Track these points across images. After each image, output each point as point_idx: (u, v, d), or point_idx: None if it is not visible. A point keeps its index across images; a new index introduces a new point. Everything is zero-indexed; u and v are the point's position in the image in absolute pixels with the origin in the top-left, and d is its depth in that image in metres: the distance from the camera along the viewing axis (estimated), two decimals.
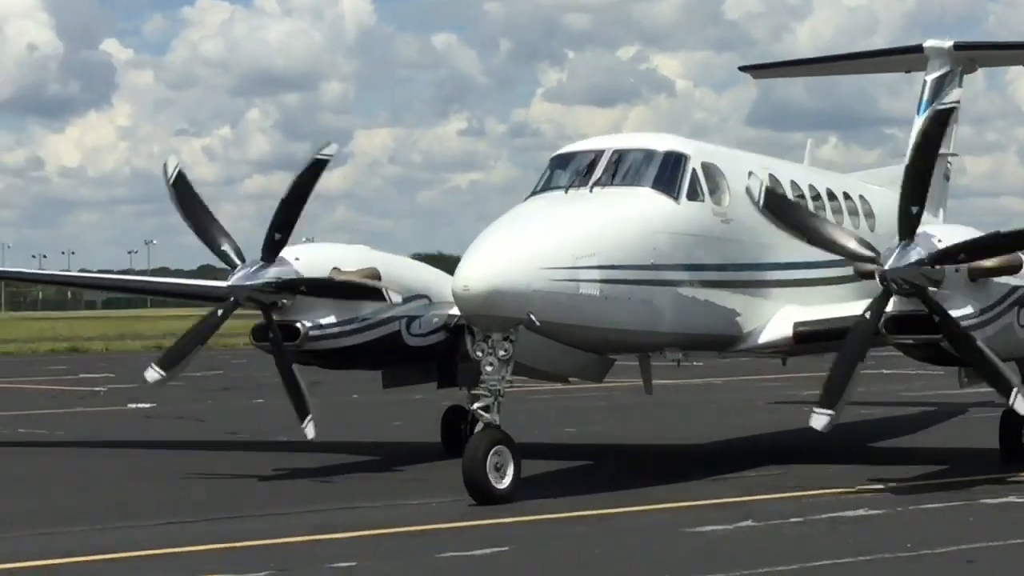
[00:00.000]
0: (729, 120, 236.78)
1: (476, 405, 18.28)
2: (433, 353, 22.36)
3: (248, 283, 21.06)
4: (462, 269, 18.02)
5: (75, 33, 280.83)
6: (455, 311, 20.23)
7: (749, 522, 16.38)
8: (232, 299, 21.26)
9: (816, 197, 23.47)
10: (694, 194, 20.36)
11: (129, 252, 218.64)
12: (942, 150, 29.15)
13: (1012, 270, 18.85)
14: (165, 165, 21.99)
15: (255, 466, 22.17)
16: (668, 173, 20.24)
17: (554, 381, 23.81)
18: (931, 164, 18.84)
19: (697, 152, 20.86)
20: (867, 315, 18.69)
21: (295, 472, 21.71)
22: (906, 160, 18.93)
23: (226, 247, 21.63)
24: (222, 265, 21.85)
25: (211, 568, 14.22)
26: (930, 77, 29.23)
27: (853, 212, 24.53)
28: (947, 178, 29.74)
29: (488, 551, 14.78)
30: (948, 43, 29.16)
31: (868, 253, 18.95)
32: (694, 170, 20.47)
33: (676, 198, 20.11)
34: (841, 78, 29.47)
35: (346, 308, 21.40)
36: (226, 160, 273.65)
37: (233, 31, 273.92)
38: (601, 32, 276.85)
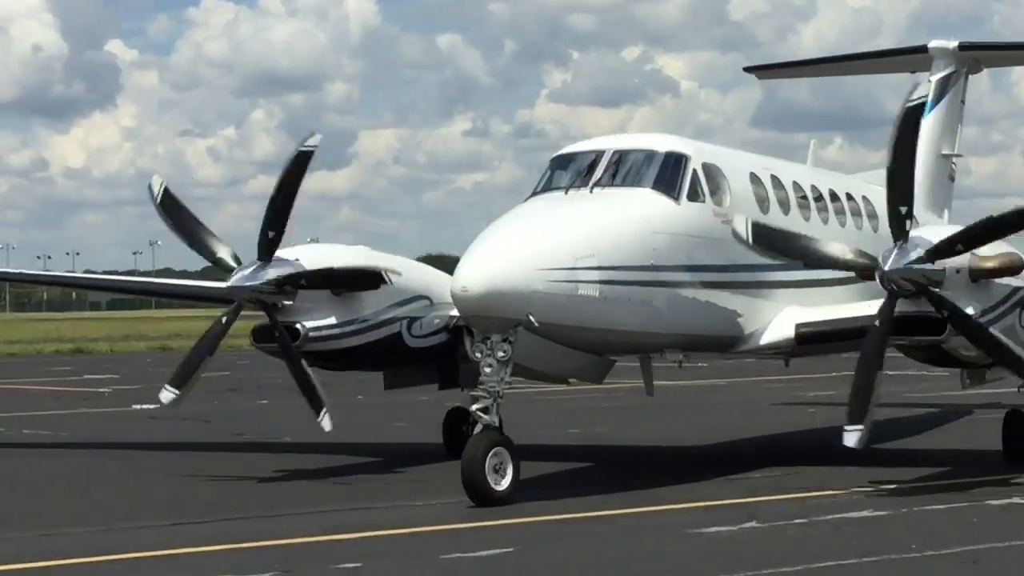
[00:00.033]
0: (734, 121, 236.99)
1: (475, 407, 18.22)
2: (434, 354, 22.28)
3: (248, 284, 21.02)
4: (461, 270, 17.97)
5: (79, 34, 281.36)
6: (456, 312, 20.20)
7: (753, 523, 16.38)
8: (235, 303, 21.20)
9: (819, 198, 23.45)
10: (695, 195, 20.32)
11: (134, 253, 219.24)
12: (946, 151, 29.35)
13: (1013, 271, 18.82)
14: (150, 186, 21.93)
15: (260, 467, 22.17)
16: (669, 174, 20.19)
17: (554, 383, 23.77)
18: (911, 162, 18.77)
19: (698, 153, 20.82)
20: (876, 323, 18.60)
21: (300, 473, 21.71)
22: (886, 162, 18.89)
23: (222, 254, 21.58)
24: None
25: (216, 569, 14.23)
26: (935, 77, 29.23)
27: (856, 213, 24.49)
28: (952, 179, 29.73)
29: (493, 552, 14.78)
30: (953, 43, 29.16)
31: (866, 262, 18.88)
32: (695, 171, 20.43)
33: (676, 199, 20.08)
34: (846, 79, 29.61)
35: (346, 309, 21.35)
36: (231, 161, 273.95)
37: (238, 32, 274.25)
38: (606, 33, 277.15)
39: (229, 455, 24.18)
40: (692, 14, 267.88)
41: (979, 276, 18.67)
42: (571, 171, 20.35)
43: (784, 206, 22.28)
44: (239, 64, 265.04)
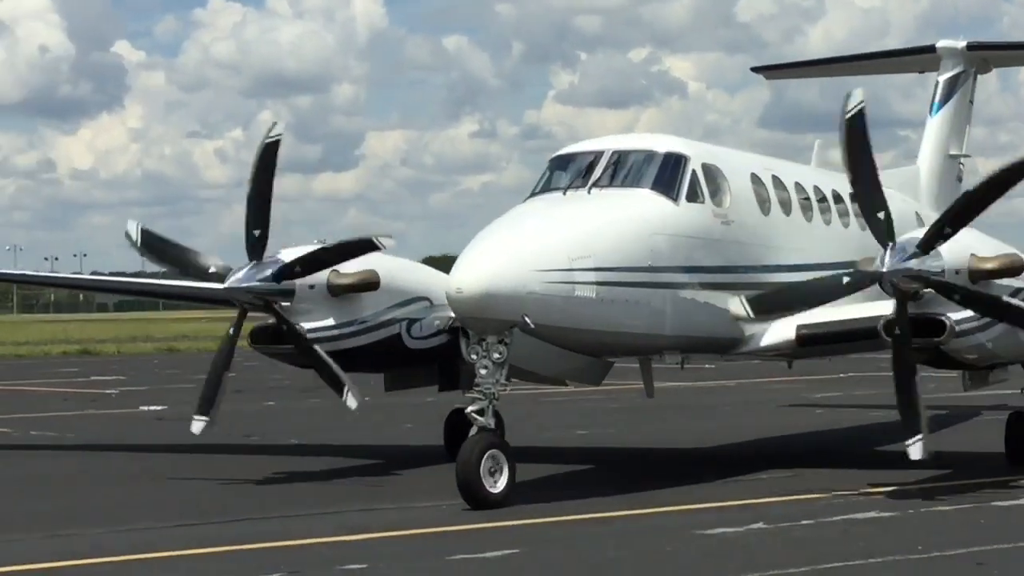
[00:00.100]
0: (741, 122, 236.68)
1: (470, 408, 18.14)
2: (435, 356, 22.09)
3: (245, 285, 20.91)
4: (456, 271, 17.89)
5: (86, 35, 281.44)
6: None
7: (760, 524, 16.37)
8: (239, 311, 21.07)
9: (822, 199, 23.38)
10: (694, 195, 20.24)
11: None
12: (954, 151, 29.35)
13: (1014, 272, 18.75)
14: (128, 234, 21.88)
15: (267, 469, 22.18)
16: (668, 174, 20.10)
17: (551, 384, 23.67)
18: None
19: (697, 153, 20.74)
20: (897, 332, 18.52)
21: (306, 475, 21.71)
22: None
23: (214, 269, 21.48)
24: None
25: (223, 570, 14.25)
26: (942, 77, 29.21)
27: (859, 214, 24.32)
28: (960, 180, 29.68)
29: (499, 553, 14.78)
30: (961, 43, 29.11)
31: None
32: (694, 171, 20.34)
33: (675, 199, 19.99)
34: (854, 80, 29.38)
35: (345, 310, 21.22)
36: (238, 162, 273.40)
37: (245, 33, 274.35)
38: (613, 34, 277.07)
39: (236, 457, 24.18)
40: (699, 15, 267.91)
41: (979, 277, 18.58)
42: (570, 172, 20.27)
43: (786, 207, 22.21)
44: (246, 65, 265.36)
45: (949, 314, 18.55)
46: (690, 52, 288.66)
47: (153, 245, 21.97)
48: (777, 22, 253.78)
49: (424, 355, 22.10)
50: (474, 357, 18.12)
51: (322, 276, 21.09)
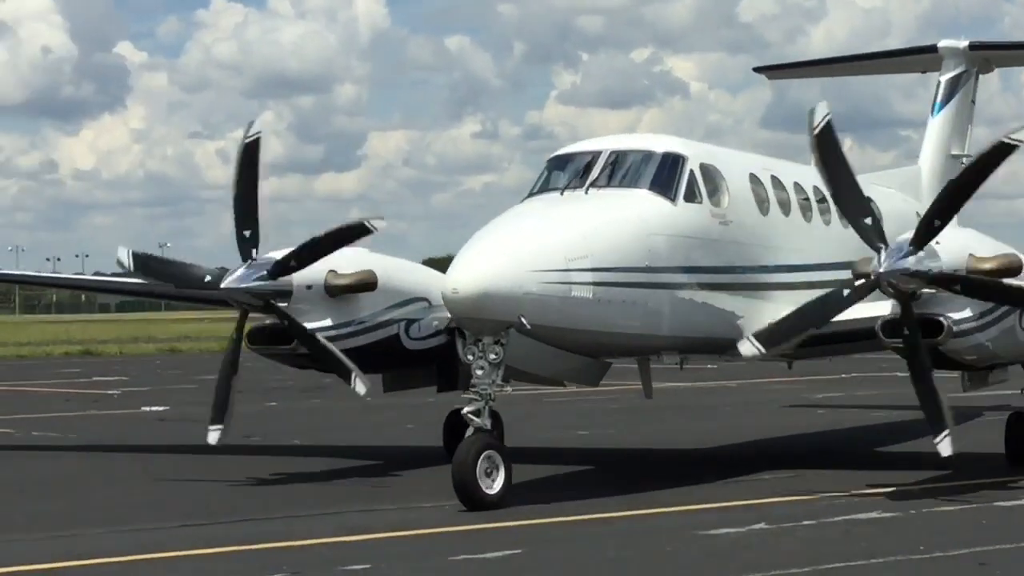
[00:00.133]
0: (744, 122, 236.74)
1: (466, 409, 18.08)
2: (433, 356, 21.98)
3: (242, 285, 20.84)
4: (452, 272, 17.84)
5: (89, 36, 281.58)
6: None
7: (762, 525, 16.36)
8: (240, 314, 21.02)
9: (821, 200, 23.29)
10: (692, 195, 20.17)
11: None
12: (956, 152, 29.31)
13: (1012, 272, 18.72)
14: (120, 261, 21.81)
15: (269, 469, 22.18)
16: (665, 174, 20.04)
17: (548, 385, 23.62)
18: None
19: (695, 153, 20.68)
20: (906, 332, 18.47)
21: (308, 476, 21.71)
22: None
23: (209, 278, 21.39)
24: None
25: (226, 570, 14.25)
26: (944, 77, 29.17)
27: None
28: None
29: (501, 554, 14.78)
30: (963, 43, 29.08)
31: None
32: (692, 171, 20.28)
33: (673, 200, 19.92)
34: (856, 80, 29.52)
35: (343, 311, 21.12)
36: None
37: (247, 33, 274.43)
38: (615, 34, 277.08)
39: (237, 457, 24.18)
40: (701, 16, 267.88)
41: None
42: (568, 172, 20.22)
43: (785, 207, 22.16)
44: (248, 66, 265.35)
45: (947, 314, 18.52)
46: (692, 52, 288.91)
47: (147, 266, 22.01)
48: (779, 22, 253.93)
49: (422, 356, 22.02)
50: (470, 358, 18.07)
51: (319, 276, 21.03)
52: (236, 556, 14.96)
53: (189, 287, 21.85)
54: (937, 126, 29.21)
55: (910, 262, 18.27)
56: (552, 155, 20.91)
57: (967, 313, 18.58)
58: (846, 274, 20.33)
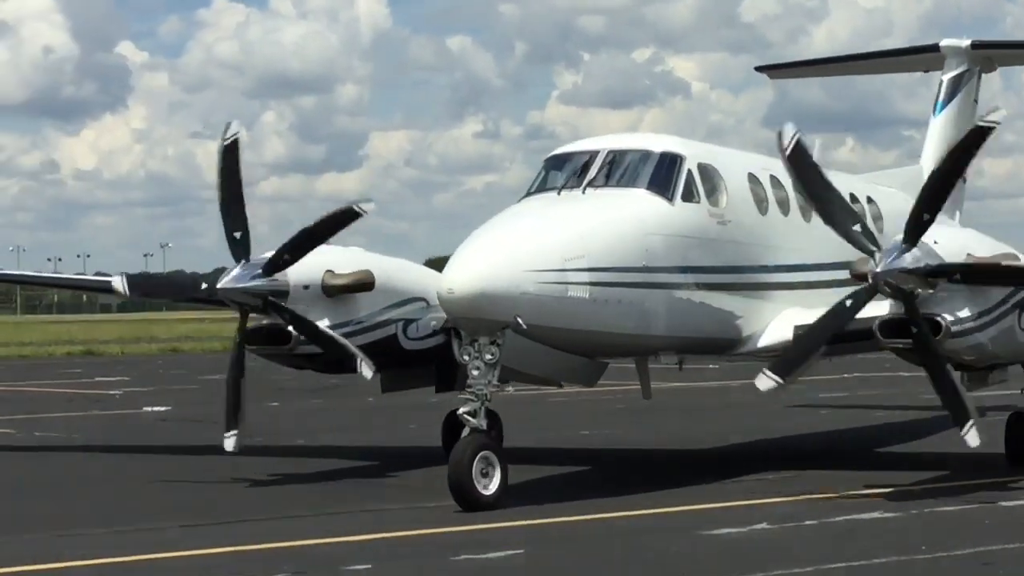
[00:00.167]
0: (745, 122, 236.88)
1: (462, 410, 18.04)
2: (431, 356, 21.92)
3: (239, 285, 20.82)
4: (448, 271, 17.79)
5: (90, 36, 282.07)
6: None
7: (764, 524, 16.35)
8: (241, 316, 20.95)
9: None
10: (689, 195, 20.12)
11: (145, 255, 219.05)
12: None
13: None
14: (115, 289, 21.85)
15: (271, 470, 22.18)
16: (663, 174, 19.97)
17: (544, 385, 23.56)
18: (958, 175, 18.57)
19: (693, 153, 20.62)
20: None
21: (310, 476, 21.71)
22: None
23: (205, 285, 21.32)
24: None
25: (228, 570, 14.24)
26: (946, 76, 29.10)
27: (860, 214, 24.17)
28: (964, 180, 29.57)
29: (503, 553, 14.77)
30: (965, 42, 29.02)
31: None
32: (689, 171, 20.22)
33: (670, 199, 19.86)
34: (858, 80, 29.58)
35: (340, 311, 21.03)
36: (241, 163, 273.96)
37: (248, 33, 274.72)
38: (616, 34, 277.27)
39: (240, 458, 24.14)
40: (703, 15, 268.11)
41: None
42: (565, 171, 20.16)
43: (783, 207, 22.10)
44: (249, 66, 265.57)
45: (945, 314, 18.46)
46: (694, 52, 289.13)
47: (143, 288, 22.03)
48: (781, 22, 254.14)
49: (421, 356, 21.98)
50: (466, 358, 18.02)
51: (317, 276, 21.01)
52: (238, 556, 14.95)
53: (186, 298, 21.91)
54: (939, 125, 29.16)
55: (907, 260, 18.26)
56: (549, 155, 20.85)
57: (965, 313, 18.53)
58: (844, 274, 20.35)
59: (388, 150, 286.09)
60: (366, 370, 20.57)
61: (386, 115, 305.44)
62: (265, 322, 21.05)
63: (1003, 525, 16.39)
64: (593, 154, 20.16)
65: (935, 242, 18.44)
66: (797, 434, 27.59)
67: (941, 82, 29.14)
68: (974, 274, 18.35)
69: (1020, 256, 18.94)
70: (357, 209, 20.27)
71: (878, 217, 24.53)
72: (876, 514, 16.99)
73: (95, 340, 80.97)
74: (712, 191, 20.57)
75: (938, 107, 29.27)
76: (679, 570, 14.03)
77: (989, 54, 29.47)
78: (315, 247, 20.69)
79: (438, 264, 23.20)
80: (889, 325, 18.60)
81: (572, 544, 15.56)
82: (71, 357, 68.71)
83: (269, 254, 20.89)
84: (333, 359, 21.04)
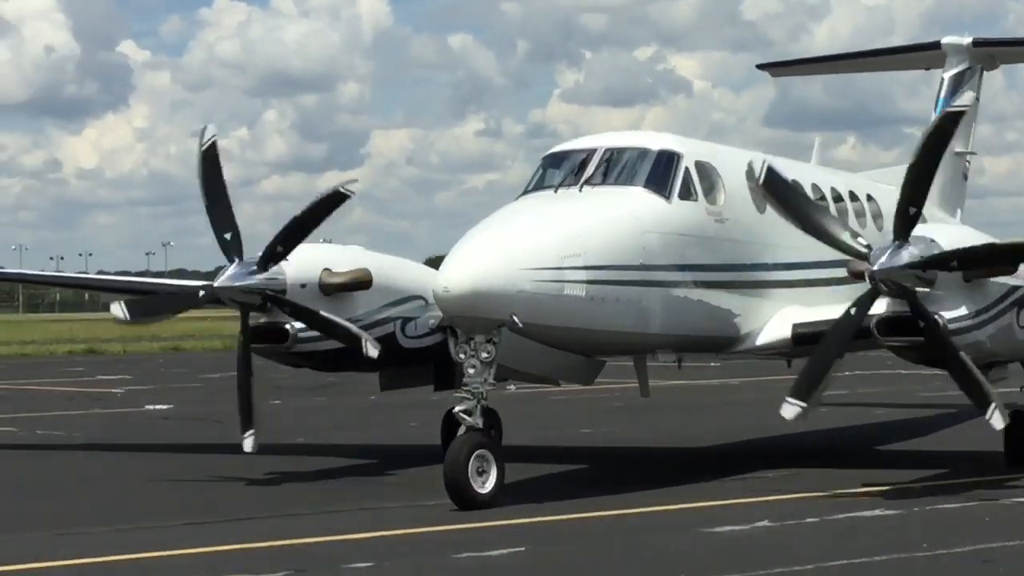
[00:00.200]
0: (747, 120, 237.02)
1: (458, 408, 18.01)
2: (429, 355, 21.88)
3: (235, 283, 20.77)
4: (444, 269, 17.77)
5: (92, 35, 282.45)
6: None
7: (765, 522, 16.35)
8: (242, 316, 20.90)
9: (821, 198, 23.25)
10: (687, 193, 20.09)
11: (147, 254, 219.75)
12: (960, 149, 29.24)
13: (1008, 270, 18.68)
14: (115, 316, 21.82)
15: (272, 468, 22.16)
16: (660, 172, 19.93)
17: (541, 384, 23.54)
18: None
19: (691, 151, 20.58)
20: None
21: (312, 474, 21.71)
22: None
23: (203, 292, 21.23)
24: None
25: (229, 569, 14.24)
26: (948, 74, 29.05)
27: (860, 213, 24.14)
28: (965, 177, 29.60)
29: (504, 551, 14.77)
30: (967, 40, 28.98)
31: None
32: (687, 169, 20.19)
33: (668, 197, 19.82)
34: (859, 78, 29.69)
35: (338, 309, 20.94)
36: (243, 161, 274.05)
37: (250, 32, 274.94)
38: (618, 32, 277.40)
39: (241, 456, 24.15)
40: (705, 14, 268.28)
41: (973, 276, 18.51)
42: (563, 169, 20.13)
43: None
44: (251, 64, 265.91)
45: (943, 312, 18.44)
46: (695, 50, 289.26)
47: (144, 308, 22.06)
48: (783, 20, 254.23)
49: (419, 354, 21.94)
50: (462, 356, 17.98)
51: (314, 275, 20.99)
52: (239, 554, 14.95)
53: (184, 306, 21.96)
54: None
55: (903, 256, 18.25)
56: (547, 152, 20.81)
57: (963, 311, 18.51)
58: (842, 272, 20.35)
59: (390, 148, 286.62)
60: (371, 349, 20.50)
61: (388, 113, 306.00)
62: (262, 320, 21.02)
63: (1003, 522, 16.39)
64: (590, 152, 20.13)
65: (933, 240, 18.44)
66: (797, 432, 27.56)
67: (943, 80, 29.10)
68: (970, 259, 18.33)
69: None
70: (344, 191, 20.24)
71: (878, 215, 24.49)
72: (876, 512, 17.00)
73: (97, 338, 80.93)
74: (710, 189, 20.54)
75: (940, 105, 29.19)
76: (679, 568, 14.03)
77: (991, 52, 29.43)
78: (306, 235, 20.66)
79: (439, 263, 23.19)
80: (888, 323, 18.58)
81: (571, 542, 15.56)
82: (73, 355, 68.74)
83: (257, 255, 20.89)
84: (331, 357, 21.07)
